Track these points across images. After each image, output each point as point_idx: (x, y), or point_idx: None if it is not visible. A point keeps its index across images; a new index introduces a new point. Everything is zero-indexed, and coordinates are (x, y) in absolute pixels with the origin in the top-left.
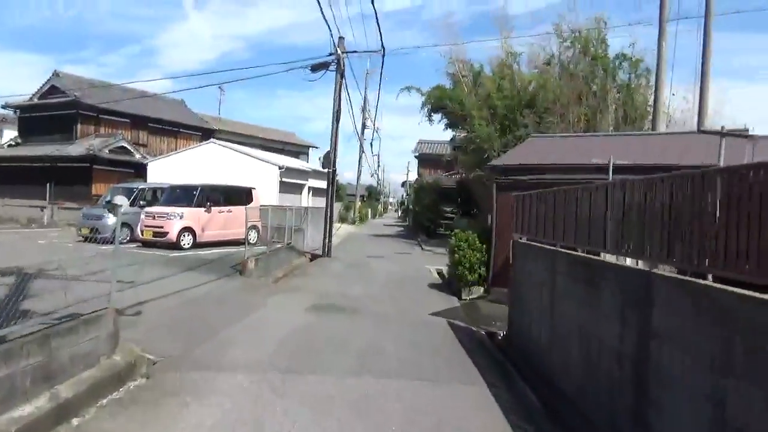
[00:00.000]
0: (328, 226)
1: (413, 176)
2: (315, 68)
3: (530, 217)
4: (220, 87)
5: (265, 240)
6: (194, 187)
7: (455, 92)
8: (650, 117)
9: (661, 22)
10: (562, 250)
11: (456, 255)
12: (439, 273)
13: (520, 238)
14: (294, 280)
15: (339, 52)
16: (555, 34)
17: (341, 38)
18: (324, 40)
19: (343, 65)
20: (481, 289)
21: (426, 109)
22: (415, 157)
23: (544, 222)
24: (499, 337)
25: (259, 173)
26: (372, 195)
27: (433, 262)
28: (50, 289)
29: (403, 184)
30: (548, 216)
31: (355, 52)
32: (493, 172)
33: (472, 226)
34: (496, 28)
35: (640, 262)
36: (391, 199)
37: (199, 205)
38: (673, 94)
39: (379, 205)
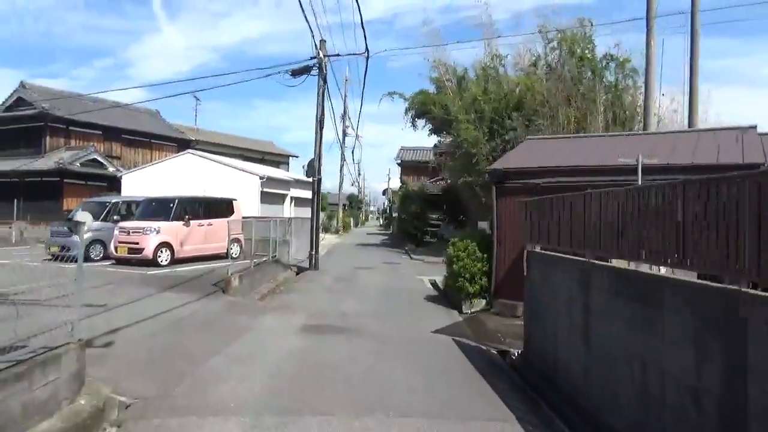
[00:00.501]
0: (314, 237)
1: (395, 184)
2: (296, 73)
3: (550, 225)
4: (195, 96)
5: (248, 253)
6: (171, 200)
7: (439, 97)
8: (639, 118)
9: (648, 20)
10: (599, 262)
11: (454, 266)
12: (433, 284)
13: (534, 248)
14: (282, 296)
15: (321, 55)
16: (540, 34)
17: (323, 41)
18: (300, 52)
19: (326, 69)
20: (483, 302)
21: (410, 115)
22: (398, 164)
23: (570, 230)
24: (514, 357)
25: (239, 184)
26: (353, 204)
27: (425, 272)
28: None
29: (384, 192)
30: (577, 223)
31: (337, 55)
32: (493, 177)
33: (465, 234)
34: (479, 32)
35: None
36: (371, 208)
37: (176, 219)
38: (663, 94)
39: (361, 214)
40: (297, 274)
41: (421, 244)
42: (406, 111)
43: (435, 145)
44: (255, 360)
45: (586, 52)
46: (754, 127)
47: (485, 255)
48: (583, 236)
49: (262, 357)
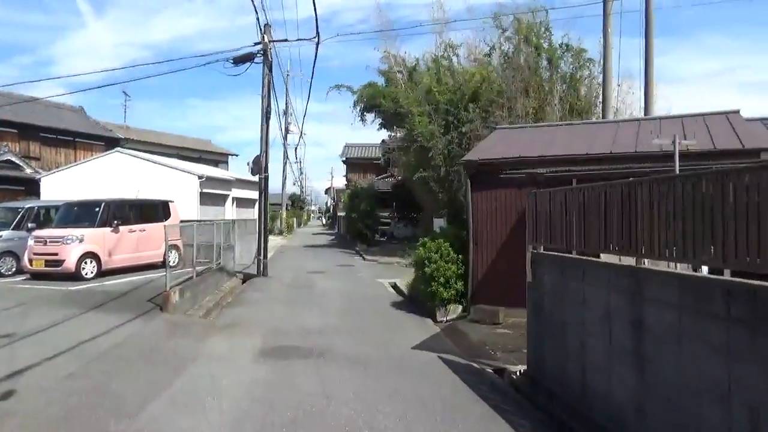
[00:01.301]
0: (262, 240)
1: (338, 182)
2: (238, 61)
3: (569, 221)
4: (124, 92)
5: (188, 261)
6: (97, 203)
7: (389, 90)
8: (596, 109)
9: (605, 6)
10: (660, 269)
11: (426, 269)
12: (394, 287)
13: (536, 248)
14: (231, 311)
15: (266, 40)
16: (494, 23)
17: (267, 25)
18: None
19: (271, 57)
20: (459, 308)
21: (358, 109)
22: (343, 161)
23: (603, 227)
24: (515, 376)
25: (175, 184)
26: (295, 204)
27: (382, 274)
28: None
29: (327, 191)
30: (617, 219)
31: (285, 40)
32: (468, 169)
33: (436, 233)
34: (431, 23)
35: None
36: (312, 208)
37: (103, 225)
38: (619, 85)
39: (304, 214)
40: (244, 282)
41: (373, 244)
42: (355, 104)
43: (383, 141)
44: (206, 404)
45: (542, 41)
46: (737, 112)
47: (460, 256)
48: (629, 235)
49: (215, 399)
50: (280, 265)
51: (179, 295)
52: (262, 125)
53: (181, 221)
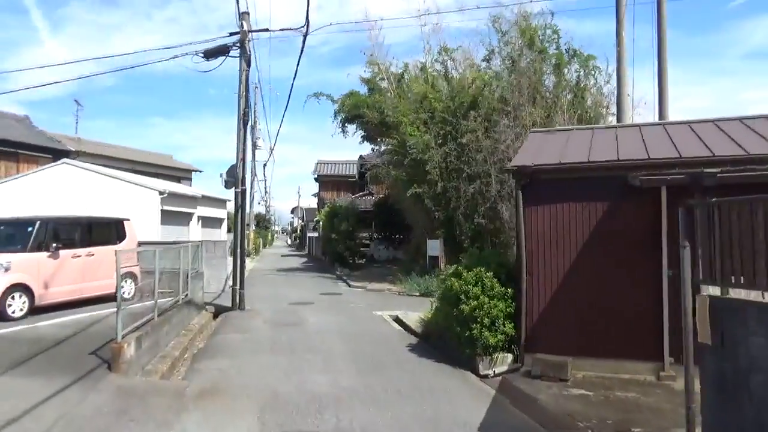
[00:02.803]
0: (239, 266)
1: (305, 202)
2: (210, 54)
3: None
4: (76, 100)
5: (146, 292)
6: (29, 222)
7: (373, 99)
8: (604, 119)
9: (618, 8)
10: None
11: (464, 306)
12: (397, 321)
13: (725, 291)
14: (206, 364)
15: (245, 28)
16: (494, 27)
17: (245, 13)
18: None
19: (249, 49)
20: (509, 357)
21: (339, 119)
22: (315, 179)
23: None
24: None
25: (133, 201)
26: (261, 224)
27: (377, 304)
28: None
29: (294, 211)
30: None
31: (266, 30)
32: (519, 177)
33: (474, 258)
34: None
35: None
36: (276, 228)
37: (38, 248)
38: (628, 95)
39: (269, 235)
40: (216, 316)
41: (354, 267)
42: (335, 115)
43: (360, 157)
44: None
45: (546, 44)
46: None
47: (508, 290)
48: None
49: None
50: (255, 293)
51: (135, 346)
52: (239, 130)
53: (139, 243)
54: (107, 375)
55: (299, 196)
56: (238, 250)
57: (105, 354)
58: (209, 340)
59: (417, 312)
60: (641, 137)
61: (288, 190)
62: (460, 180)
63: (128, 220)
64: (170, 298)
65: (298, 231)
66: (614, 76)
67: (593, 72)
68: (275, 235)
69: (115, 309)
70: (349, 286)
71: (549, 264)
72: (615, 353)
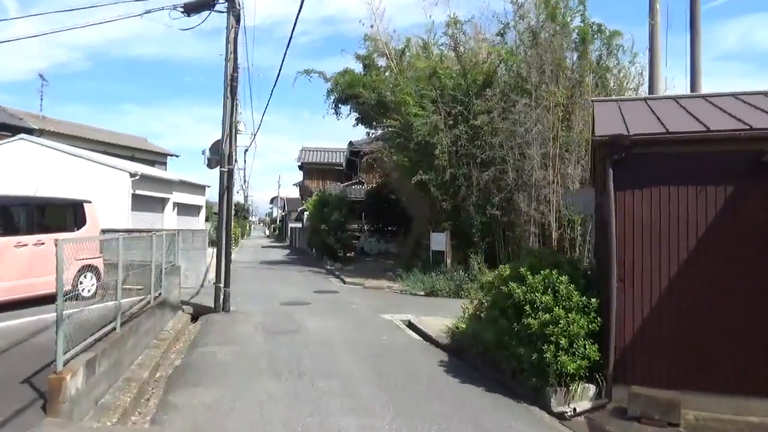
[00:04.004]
0: (224, 259)
1: (285, 192)
2: (192, 8)
3: None
4: (41, 75)
5: (111, 289)
6: None
7: (370, 78)
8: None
9: None
10: None
11: (529, 320)
12: (411, 326)
13: None
14: (184, 397)
15: None
16: None
17: None
18: (175, 54)
19: (239, 4)
20: (591, 389)
21: (332, 99)
22: (299, 166)
23: None
24: None
25: (100, 183)
26: (239, 213)
27: (381, 305)
28: None
29: (273, 200)
30: None
31: None
32: (612, 150)
33: (528, 256)
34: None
35: None
36: (253, 218)
37: None
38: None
39: (247, 225)
40: (195, 319)
41: (346, 261)
42: (328, 94)
43: (350, 143)
44: None
45: (568, 18)
46: None
47: (591, 300)
48: None
49: None
50: (241, 290)
51: (86, 372)
52: (225, 98)
53: (104, 230)
54: (40, 421)
55: (279, 185)
56: (223, 241)
57: (42, 384)
58: (188, 353)
59: (431, 316)
60: (750, 106)
61: (265, 179)
62: (472, 166)
63: (89, 202)
64: (140, 298)
65: (278, 221)
66: (639, 57)
67: (615, 51)
68: (252, 226)
69: (72, 311)
70: (344, 282)
71: (649, 266)
72: (740, 387)
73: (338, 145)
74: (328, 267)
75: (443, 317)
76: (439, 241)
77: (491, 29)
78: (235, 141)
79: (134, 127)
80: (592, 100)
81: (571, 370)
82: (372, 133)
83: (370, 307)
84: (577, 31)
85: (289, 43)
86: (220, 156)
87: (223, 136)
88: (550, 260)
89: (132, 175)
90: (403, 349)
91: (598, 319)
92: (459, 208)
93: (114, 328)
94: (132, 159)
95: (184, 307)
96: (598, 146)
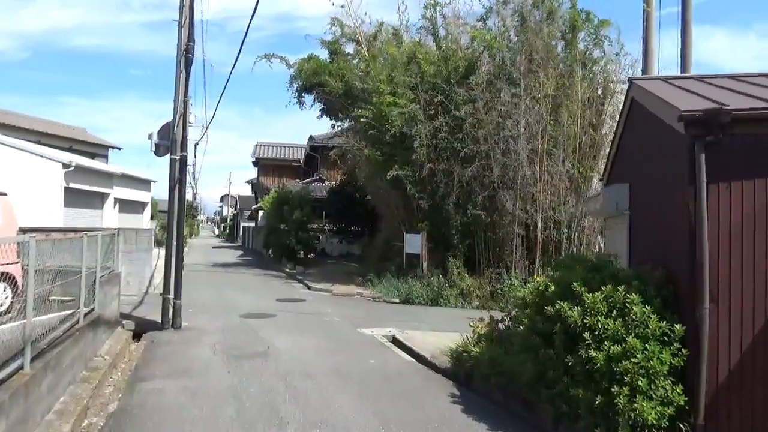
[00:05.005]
0: (173, 265)
1: (236, 190)
2: None
3: None
4: None
5: (25, 300)
6: None
7: (336, 65)
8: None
9: None
10: None
11: (592, 351)
12: (396, 342)
13: None
14: None
15: None
16: None
17: None
18: (121, 46)
19: None
20: None
21: (295, 88)
22: (253, 162)
23: None
24: None
25: (26, 175)
26: (188, 211)
27: (358, 317)
28: None
29: (223, 199)
30: None
31: None
32: (703, 130)
33: (580, 264)
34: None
35: None
36: (200, 217)
37: None
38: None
39: (195, 224)
40: (138, 338)
41: (307, 264)
42: (291, 81)
43: (311, 137)
44: None
45: (555, 3)
46: None
47: (674, 327)
48: None
49: None
50: (193, 298)
51: None
52: (178, 72)
53: (23, 230)
54: None
55: (230, 182)
56: (174, 243)
57: None
58: (127, 391)
59: (416, 330)
60: None
61: (213, 177)
62: (453, 162)
63: (3, 194)
64: (68, 313)
65: (229, 221)
66: (626, 48)
67: (601, 42)
68: (201, 225)
69: None
70: (309, 288)
71: (751, 284)
72: None
73: (297, 141)
74: (288, 270)
75: (430, 330)
76: (415, 243)
77: (473, 14)
78: (188, 125)
79: (74, 120)
80: (630, 79)
81: (651, 420)
82: (338, 125)
83: (345, 318)
84: (566, 17)
85: (247, 30)
86: (171, 141)
87: (175, 118)
88: (607, 271)
89: (65, 165)
90: (400, 378)
91: (683, 351)
92: (437, 207)
93: (20, 367)
94: (69, 150)
95: (124, 322)
96: (686, 125)
